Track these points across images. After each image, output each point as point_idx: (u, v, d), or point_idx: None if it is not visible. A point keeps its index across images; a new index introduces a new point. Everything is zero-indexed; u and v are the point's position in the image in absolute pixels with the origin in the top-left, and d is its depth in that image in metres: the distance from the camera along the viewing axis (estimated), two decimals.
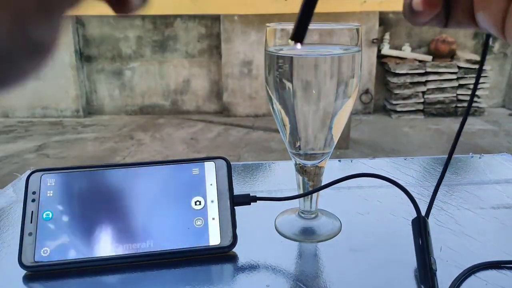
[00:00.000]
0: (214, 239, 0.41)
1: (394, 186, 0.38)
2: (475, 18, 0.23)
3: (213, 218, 0.42)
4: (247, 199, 0.44)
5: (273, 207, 0.49)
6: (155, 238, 0.41)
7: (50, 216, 0.41)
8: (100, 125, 4.52)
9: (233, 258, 0.41)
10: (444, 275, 0.38)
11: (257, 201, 0.44)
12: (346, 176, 0.39)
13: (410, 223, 0.33)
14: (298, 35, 0.29)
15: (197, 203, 0.43)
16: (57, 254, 0.39)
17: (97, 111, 4.90)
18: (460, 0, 0.23)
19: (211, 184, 0.44)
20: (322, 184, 0.44)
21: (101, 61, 4.78)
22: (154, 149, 3.74)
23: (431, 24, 0.25)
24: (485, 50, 0.30)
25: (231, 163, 0.45)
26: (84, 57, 4.76)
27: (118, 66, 4.78)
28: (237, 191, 0.45)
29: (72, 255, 0.39)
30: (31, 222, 0.40)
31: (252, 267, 0.40)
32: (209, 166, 0.45)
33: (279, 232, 0.46)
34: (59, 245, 0.40)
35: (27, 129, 4.41)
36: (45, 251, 0.39)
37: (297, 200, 0.47)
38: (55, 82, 4.73)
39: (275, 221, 0.48)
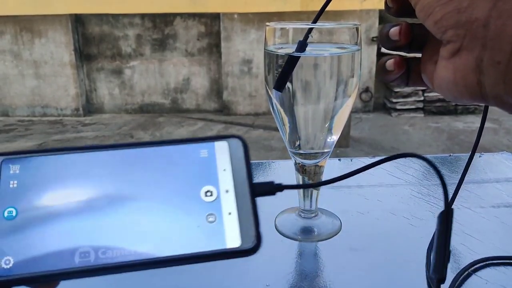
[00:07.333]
0: (233, 240, 0.33)
1: (394, 185, 0.38)
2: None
3: (230, 213, 0.34)
4: (271, 188, 0.36)
5: (273, 206, 0.49)
6: (154, 241, 0.32)
7: (14, 214, 0.32)
8: (100, 124, 4.52)
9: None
10: None
11: (283, 190, 0.35)
12: (374, 162, 0.34)
13: (436, 216, 0.32)
14: (279, 86, 0.39)
15: (208, 193, 0.34)
16: (22, 265, 0.30)
17: (97, 110, 4.90)
18: (416, 67, 0.32)
19: (224, 170, 0.35)
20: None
21: (101, 59, 4.78)
22: None
23: (397, 82, 0.33)
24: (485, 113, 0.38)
25: None
26: (84, 56, 4.76)
27: (118, 65, 4.78)
28: None
29: (42, 266, 0.30)
30: None
31: (252, 267, 0.40)
32: (221, 147, 0.36)
33: (279, 231, 0.46)
34: (25, 252, 0.31)
35: (27, 128, 4.41)
36: (7, 261, 0.31)
37: (296, 199, 0.47)
38: (55, 80, 4.73)
39: (275, 220, 0.48)
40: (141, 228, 0.32)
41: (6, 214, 0.31)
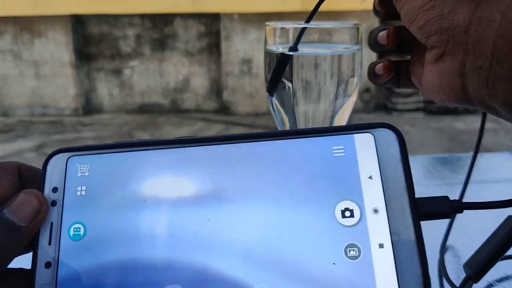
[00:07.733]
0: (387, 286, 0.22)
1: None
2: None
3: (381, 245, 0.23)
4: (446, 207, 0.24)
5: None
6: (272, 281, 0.22)
7: (82, 232, 0.24)
8: (99, 124, 4.52)
9: None
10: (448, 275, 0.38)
11: (464, 211, 0.25)
12: None
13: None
14: (271, 88, 0.40)
15: (347, 213, 0.23)
16: None
17: (97, 110, 4.90)
18: (405, 70, 0.32)
19: (370, 177, 0.24)
20: None
21: (101, 59, 4.78)
22: None
23: (388, 84, 0.34)
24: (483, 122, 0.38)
25: None
26: (83, 56, 4.76)
27: (117, 65, 4.78)
28: None
29: None
30: (49, 244, 0.23)
31: None
32: (364, 142, 0.24)
33: None
34: (96, 284, 0.22)
35: (27, 128, 4.41)
36: None
37: None
38: (54, 80, 4.73)
39: None
40: (251, 263, 0.22)
41: (72, 232, 0.24)
